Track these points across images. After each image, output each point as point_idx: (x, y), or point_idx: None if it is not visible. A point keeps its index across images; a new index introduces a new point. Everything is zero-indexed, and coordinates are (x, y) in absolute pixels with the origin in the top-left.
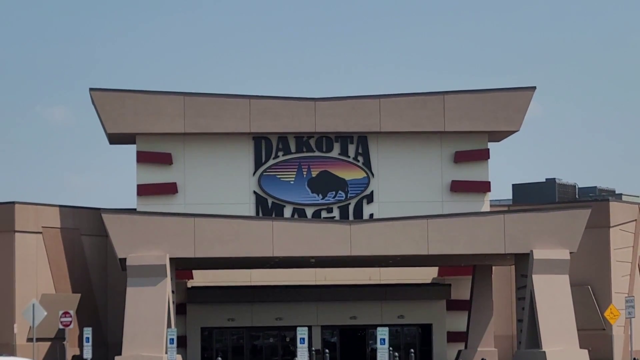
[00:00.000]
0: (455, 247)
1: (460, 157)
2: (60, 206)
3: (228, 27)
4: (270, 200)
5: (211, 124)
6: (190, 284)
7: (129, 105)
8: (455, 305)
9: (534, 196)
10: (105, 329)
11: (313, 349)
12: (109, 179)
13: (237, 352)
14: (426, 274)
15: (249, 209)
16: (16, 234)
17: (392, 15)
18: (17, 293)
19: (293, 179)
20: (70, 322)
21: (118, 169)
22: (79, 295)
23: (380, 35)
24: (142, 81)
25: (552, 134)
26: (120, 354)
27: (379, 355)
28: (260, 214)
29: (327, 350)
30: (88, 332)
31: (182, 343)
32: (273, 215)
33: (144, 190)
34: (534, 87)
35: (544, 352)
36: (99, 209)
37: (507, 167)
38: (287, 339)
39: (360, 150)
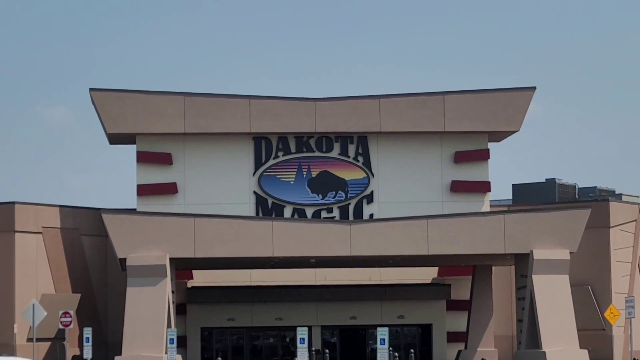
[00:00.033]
0: (455, 247)
1: (460, 157)
2: (60, 206)
3: (228, 27)
4: (270, 201)
5: (211, 124)
6: (190, 284)
7: (129, 105)
8: (455, 305)
9: (534, 196)
10: (105, 329)
11: (313, 349)
12: (109, 179)
13: (237, 352)
14: (426, 274)
15: (249, 209)
16: (16, 234)
17: (392, 15)
18: (17, 293)
19: (293, 179)
20: (70, 322)
21: (118, 169)
22: (79, 295)
23: (380, 35)
24: (142, 81)
25: (552, 134)
26: (120, 354)
27: (379, 355)
28: (260, 214)
29: (327, 351)
30: (88, 332)
31: (182, 343)
32: (273, 216)
33: (144, 190)
34: (534, 87)
35: (544, 352)
36: (99, 209)
37: (507, 167)
38: (287, 339)
39: (360, 150)
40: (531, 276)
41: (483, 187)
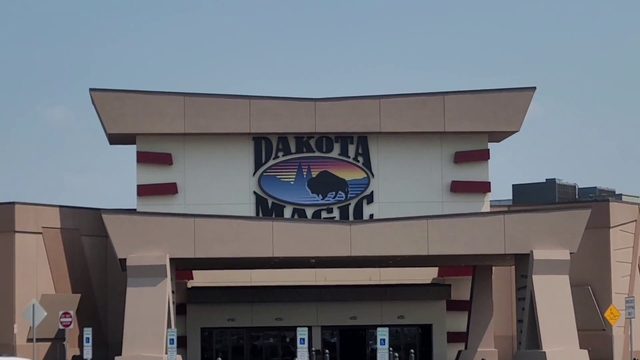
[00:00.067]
0: (455, 247)
1: (461, 158)
2: (60, 206)
3: (228, 27)
4: (270, 201)
5: (211, 124)
6: (190, 284)
7: (129, 105)
8: (455, 306)
9: (534, 196)
10: (105, 329)
11: (313, 349)
12: (109, 179)
13: (237, 353)
14: (426, 274)
15: (249, 209)
16: (16, 234)
17: (392, 15)
18: (17, 293)
19: (293, 179)
20: (70, 322)
21: (118, 169)
22: (79, 295)
23: (380, 35)
24: (142, 81)
25: (552, 134)
26: (120, 354)
27: (379, 355)
28: (260, 214)
29: (327, 351)
30: (88, 332)
31: (182, 343)
32: (273, 216)
33: (144, 190)
34: (534, 87)
35: (544, 352)
36: (99, 209)
37: (507, 168)
38: (287, 339)
39: (360, 151)
40: (531, 276)
41: (483, 187)
